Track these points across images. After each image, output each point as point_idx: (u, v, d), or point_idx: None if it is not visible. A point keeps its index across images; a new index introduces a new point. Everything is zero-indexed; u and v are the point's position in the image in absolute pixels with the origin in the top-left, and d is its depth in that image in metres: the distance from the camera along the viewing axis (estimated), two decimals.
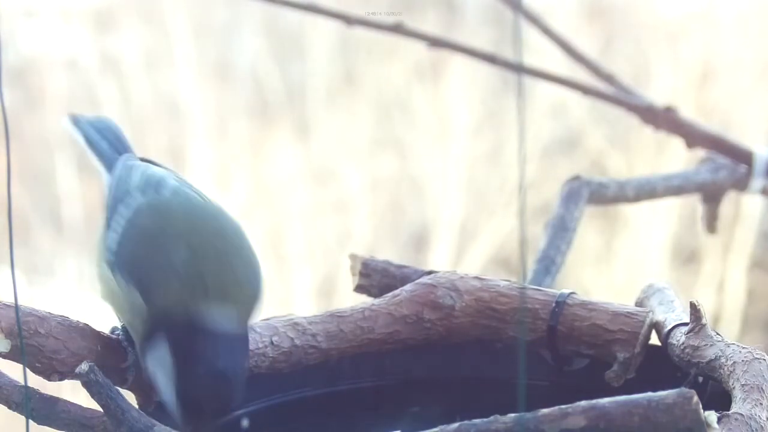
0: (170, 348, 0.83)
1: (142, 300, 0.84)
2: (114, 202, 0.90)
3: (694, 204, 1.54)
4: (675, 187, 1.44)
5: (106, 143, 1.00)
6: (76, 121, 1.01)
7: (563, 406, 0.75)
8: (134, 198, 0.90)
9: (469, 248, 3.69)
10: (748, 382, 0.83)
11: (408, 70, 3.76)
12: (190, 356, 0.83)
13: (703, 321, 0.90)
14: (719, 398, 0.84)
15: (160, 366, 0.84)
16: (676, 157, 3.29)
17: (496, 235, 3.67)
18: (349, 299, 1.06)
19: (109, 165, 0.97)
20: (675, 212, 3.61)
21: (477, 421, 0.76)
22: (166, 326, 0.84)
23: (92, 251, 0.92)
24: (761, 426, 0.79)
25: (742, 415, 0.79)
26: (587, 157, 3.76)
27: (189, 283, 0.84)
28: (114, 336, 0.89)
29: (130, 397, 0.86)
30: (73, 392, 0.90)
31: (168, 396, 0.84)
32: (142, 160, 0.96)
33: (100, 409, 0.82)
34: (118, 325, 0.89)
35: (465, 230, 3.70)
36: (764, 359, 0.85)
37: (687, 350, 0.89)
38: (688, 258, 3.68)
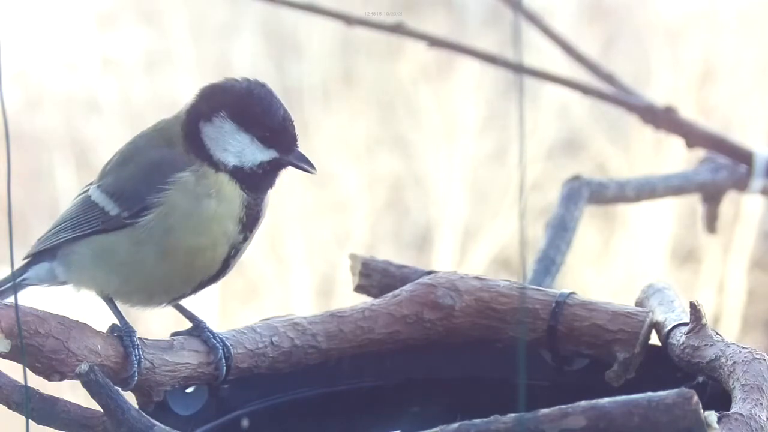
0: (221, 116, 0.91)
1: (162, 155, 0.91)
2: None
3: (694, 204, 1.54)
4: (675, 187, 1.44)
5: None
6: None
7: (563, 406, 0.75)
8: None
9: (472, 248, 3.69)
10: (748, 382, 0.83)
11: (413, 71, 3.76)
12: (246, 106, 0.91)
13: (703, 321, 0.90)
14: (719, 398, 0.84)
15: (225, 138, 0.91)
16: (676, 157, 3.29)
17: (499, 236, 3.67)
18: (349, 299, 1.06)
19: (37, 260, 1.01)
20: (674, 212, 3.61)
21: (477, 421, 0.76)
22: (192, 121, 0.92)
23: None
24: (761, 426, 0.79)
25: (742, 415, 0.79)
26: (589, 158, 3.76)
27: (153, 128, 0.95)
28: (114, 336, 0.89)
29: (130, 397, 0.86)
30: (73, 392, 0.90)
31: (252, 149, 0.91)
32: None
33: (100, 409, 0.82)
34: (120, 324, 0.90)
35: (468, 230, 3.70)
36: (764, 359, 0.85)
37: (687, 350, 0.89)
38: (687, 258, 3.69)
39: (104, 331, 0.89)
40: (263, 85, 0.93)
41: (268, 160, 0.93)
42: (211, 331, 0.92)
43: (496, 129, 3.74)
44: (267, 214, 0.97)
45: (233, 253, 0.93)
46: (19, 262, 0.98)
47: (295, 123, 0.93)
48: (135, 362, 0.88)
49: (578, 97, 1.45)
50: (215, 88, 0.93)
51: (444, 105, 3.76)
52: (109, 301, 0.94)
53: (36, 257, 0.97)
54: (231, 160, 0.92)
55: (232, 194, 0.92)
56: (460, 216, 3.71)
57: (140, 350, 0.88)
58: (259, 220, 0.94)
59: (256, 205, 0.93)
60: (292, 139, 0.93)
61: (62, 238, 0.95)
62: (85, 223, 0.94)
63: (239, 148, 0.92)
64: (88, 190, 0.96)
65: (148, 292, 0.93)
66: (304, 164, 0.93)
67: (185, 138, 0.92)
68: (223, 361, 0.91)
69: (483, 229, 3.69)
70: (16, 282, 0.96)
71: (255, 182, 0.93)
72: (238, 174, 0.92)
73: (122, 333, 0.89)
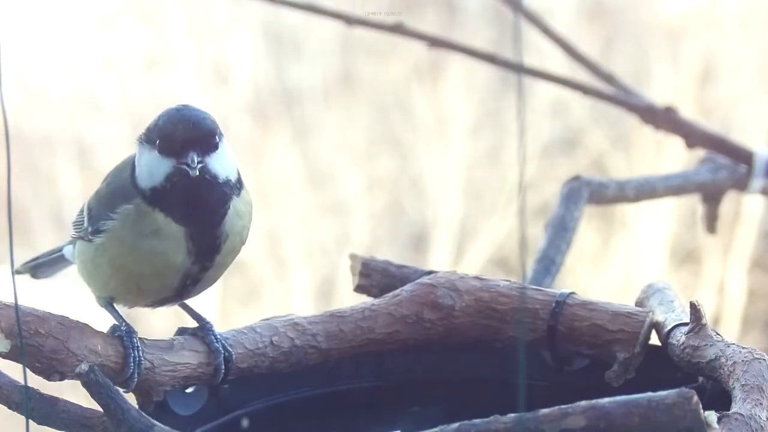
0: (142, 139, 0.91)
1: (120, 184, 0.91)
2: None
3: (693, 204, 1.54)
4: (675, 187, 1.44)
5: None
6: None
7: (563, 406, 0.75)
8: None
9: (469, 248, 3.69)
10: (748, 382, 0.83)
11: (407, 71, 3.76)
12: (156, 123, 0.90)
13: (703, 321, 0.90)
14: (719, 398, 0.84)
15: (141, 159, 0.90)
16: (676, 157, 3.29)
17: (496, 235, 3.67)
18: (349, 299, 1.06)
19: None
20: (674, 212, 3.61)
21: (477, 421, 0.76)
22: (136, 144, 0.91)
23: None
24: (761, 426, 0.79)
25: (742, 415, 0.79)
26: (587, 158, 3.76)
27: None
28: (115, 336, 0.89)
29: (130, 397, 0.86)
30: (73, 392, 0.90)
31: (155, 167, 0.89)
32: None
33: (100, 409, 0.82)
34: (120, 324, 0.90)
35: (464, 230, 3.70)
36: (764, 359, 0.85)
37: (687, 350, 0.89)
38: (687, 258, 3.69)
39: (104, 331, 0.89)
40: (188, 106, 0.91)
41: (169, 170, 0.89)
42: (215, 335, 0.92)
43: (491, 128, 3.74)
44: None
45: (190, 282, 0.92)
46: (19, 262, 0.99)
47: (203, 130, 0.90)
48: (132, 363, 0.88)
49: (577, 97, 1.45)
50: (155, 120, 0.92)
51: (438, 105, 3.76)
52: (109, 306, 0.94)
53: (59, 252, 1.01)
54: (147, 183, 0.90)
55: (172, 231, 0.89)
56: (456, 216, 3.71)
57: (140, 351, 0.88)
58: (219, 248, 0.91)
59: (209, 235, 0.90)
60: (184, 143, 0.89)
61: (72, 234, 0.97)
62: (77, 225, 0.96)
63: (149, 166, 0.90)
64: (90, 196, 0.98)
65: (122, 299, 0.94)
66: (191, 170, 0.89)
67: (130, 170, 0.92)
68: (222, 366, 0.91)
69: (480, 229, 3.69)
70: (58, 254, 1.00)
71: (178, 204, 0.89)
72: (160, 200, 0.89)
73: (122, 333, 0.89)
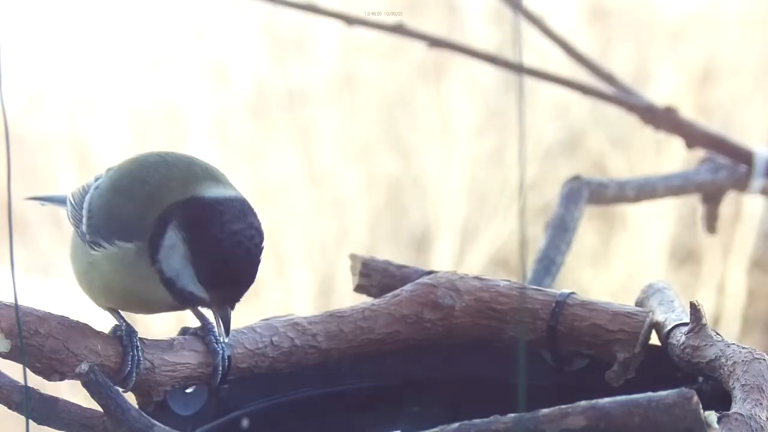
0: (178, 229, 0.85)
1: (138, 215, 0.86)
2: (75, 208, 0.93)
3: (693, 204, 1.54)
4: (675, 187, 1.44)
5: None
6: (41, 198, 1.06)
7: (563, 406, 0.75)
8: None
9: (470, 249, 3.69)
10: (748, 382, 0.83)
11: (410, 71, 3.76)
12: (202, 227, 0.84)
13: (703, 321, 0.90)
14: (719, 398, 0.85)
15: (173, 255, 0.85)
16: (676, 157, 3.29)
17: (497, 236, 3.67)
18: (349, 299, 1.06)
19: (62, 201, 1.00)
20: (674, 212, 3.61)
21: (477, 421, 0.76)
22: (167, 217, 0.85)
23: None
24: (761, 426, 0.79)
25: (742, 415, 0.79)
26: (588, 158, 3.76)
27: (172, 177, 0.87)
28: (115, 336, 0.89)
29: (130, 397, 0.86)
30: (73, 392, 0.90)
31: (189, 280, 0.85)
32: None
33: (100, 409, 0.82)
34: (121, 324, 0.90)
35: (466, 231, 3.70)
36: (764, 359, 0.85)
37: (687, 350, 0.90)
38: (686, 258, 3.68)
39: (104, 331, 0.89)
40: (247, 244, 0.85)
41: (198, 295, 0.87)
42: (215, 335, 0.92)
43: (494, 129, 3.74)
44: (267, 215, 0.95)
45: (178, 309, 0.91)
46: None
47: (249, 281, 0.86)
48: (130, 363, 0.88)
49: (577, 97, 1.45)
50: (206, 213, 0.86)
51: (441, 105, 3.76)
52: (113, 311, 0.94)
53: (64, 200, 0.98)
54: (168, 272, 0.87)
55: (161, 289, 0.88)
56: (458, 216, 3.71)
57: (139, 351, 0.88)
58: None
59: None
60: (229, 298, 0.86)
61: (67, 205, 0.95)
62: (75, 214, 0.94)
63: (179, 270, 0.86)
64: (99, 179, 0.94)
65: (115, 304, 0.93)
66: (220, 327, 0.87)
67: (154, 224, 0.87)
68: (219, 369, 0.91)
69: (481, 229, 3.69)
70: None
71: (181, 299, 0.88)
72: (169, 286, 0.87)
73: (123, 333, 0.89)
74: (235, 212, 0.85)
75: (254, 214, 0.86)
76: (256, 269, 0.87)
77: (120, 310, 0.92)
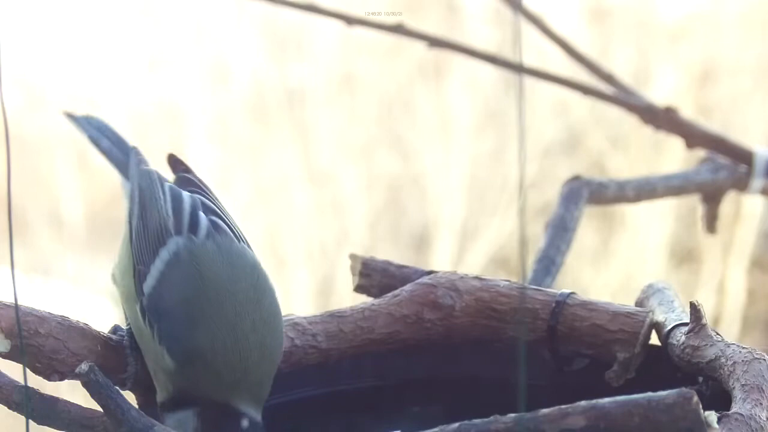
0: (198, 427, 0.83)
1: (172, 362, 0.83)
2: (143, 222, 0.88)
3: (693, 204, 1.54)
4: (675, 187, 1.44)
5: (108, 141, 0.97)
6: (75, 119, 0.99)
7: (563, 406, 0.75)
8: (169, 236, 0.87)
9: (470, 248, 3.69)
10: (748, 382, 0.83)
11: (410, 71, 3.76)
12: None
13: (703, 321, 0.90)
14: (719, 398, 0.85)
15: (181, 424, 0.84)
16: (676, 157, 3.29)
17: (497, 235, 3.66)
18: (349, 299, 1.06)
19: (119, 165, 0.94)
20: (673, 212, 3.61)
21: (477, 421, 0.76)
22: (195, 401, 0.83)
23: (113, 258, 0.91)
24: (761, 426, 0.79)
25: (742, 415, 0.79)
26: (588, 157, 3.76)
27: (227, 365, 0.83)
28: (116, 337, 0.89)
29: (130, 397, 0.86)
30: (72, 392, 0.90)
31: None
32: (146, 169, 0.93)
33: (100, 409, 0.82)
34: (122, 325, 0.90)
35: (466, 230, 3.70)
36: (764, 359, 0.85)
37: (687, 350, 0.90)
38: (687, 258, 3.68)
39: (104, 332, 0.89)
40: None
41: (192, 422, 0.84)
42: None
43: (493, 128, 3.74)
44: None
45: None
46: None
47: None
48: (134, 362, 0.88)
49: (577, 97, 1.45)
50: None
51: (441, 105, 3.76)
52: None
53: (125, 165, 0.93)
54: (163, 397, 0.85)
55: None
56: (458, 215, 3.71)
57: (140, 351, 0.88)
58: None
59: None
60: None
61: (133, 196, 0.90)
62: (148, 219, 0.88)
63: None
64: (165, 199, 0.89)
65: None
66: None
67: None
68: None
69: (481, 229, 3.69)
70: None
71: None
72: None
73: (123, 333, 0.89)
74: None
75: None
76: None
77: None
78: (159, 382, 0.85)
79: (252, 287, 0.87)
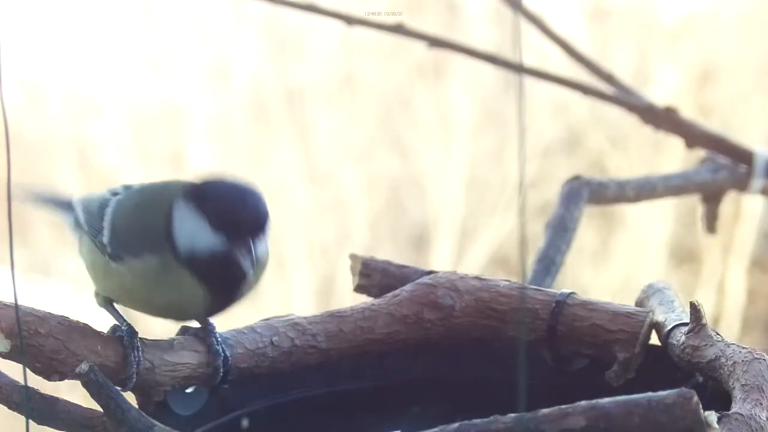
0: (183, 202, 0.88)
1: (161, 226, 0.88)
2: (90, 216, 0.94)
3: (693, 204, 1.54)
4: (675, 187, 1.44)
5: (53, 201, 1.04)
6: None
7: (563, 406, 0.75)
8: (108, 199, 0.94)
9: (470, 248, 3.69)
10: (748, 382, 0.83)
11: (409, 70, 3.76)
12: (202, 189, 0.88)
13: (703, 321, 0.90)
14: (719, 398, 0.85)
15: (184, 223, 0.88)
16: (676, 157, 3.29)
17: (497, 235, 3.67)
18: (349, 299, 1.06)
19: (63, 206, 1.01)
20: (673, 212, 3.61)
21: (477, 421, 0.76)
22: (172, 206, 0.88)
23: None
24: (761, 426, 0.79)
25: (742, 415, 0.79)
26: (587, 157, 3.76)
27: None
28: (115, 336, 0.89)
29: (130, 397, 0.86)
30: (72, 392, 0.90)
31: (205, 236, 0.87)
32: None
33: (100, 409, 0.82)
34: (121, 324, 0.90)
35: (465, 230, 3.70)
36: (764, 359, 0.85)
37: (687, 350, 0.90)
38: (687, 258, 3.68)
39: (104, 331, 0.89)
40: (239, 181, 0.89)
41: (218, 249, 0.87)
42: (216, 336, 0.92)
43: (493, 127, 3.74)
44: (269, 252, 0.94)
45: (214, 310, 0.92)
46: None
47: (262, 216, 0.88)
48: (134, 363, 0.88)
49: (577, 97, 1.45)
50: (198, 183, 0.90)
51: (440, 104, 3.76)
52: (106, 301, 0.94)
53: (67, 205, 0.99)
54: (186, 247, 0.88)
55: (194, 291, 0.89)
56: (457, 215, 3.71)
57: (140, 351, 0.88)
58: (234, 302, 0.91)
59: (229, 297, 0.91)
60: (246, 228, 0.88)
61: (78, 211, 0.96)
62: (92, 224, 0.94)
63: (193, 234, 0.88)
64: (117, 194, 0.95)
65: (138, 309, 0.93)
66: (244, 261, 0.87)
67: (165, 219, 0.90)
68: (220, 370, 0.91)
69: (480, 228, 3.69)
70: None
71: (212, 276, 0.89)
72: (194, 265, 0.88)
73: (123, 333, 0.89)
74: (228, 178, 0.90)
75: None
76: (264, 204, 0.89)
77: (118, 306, 0.93)
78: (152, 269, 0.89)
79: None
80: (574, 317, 0.93)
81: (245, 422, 0.95)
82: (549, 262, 1.22)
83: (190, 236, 0.88)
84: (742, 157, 1.45)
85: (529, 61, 1.24)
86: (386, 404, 0.99)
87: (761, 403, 0.81)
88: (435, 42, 1.39)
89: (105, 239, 0.91)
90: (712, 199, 1.47)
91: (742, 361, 0.85)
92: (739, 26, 3.76)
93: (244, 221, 0.87)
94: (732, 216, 3.46)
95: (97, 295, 0.94)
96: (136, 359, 0.88)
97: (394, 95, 3.83)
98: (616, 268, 3.66)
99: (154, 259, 0.89)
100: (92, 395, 0.81)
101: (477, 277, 0.96)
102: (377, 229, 3.72)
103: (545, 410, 0.75)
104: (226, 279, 0.89)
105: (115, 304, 0.94)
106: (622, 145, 3.73)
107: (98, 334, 0.88)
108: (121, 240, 0.91)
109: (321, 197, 3.72)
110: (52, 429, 0.85)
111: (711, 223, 1.48)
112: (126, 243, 0.90)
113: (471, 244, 3.70)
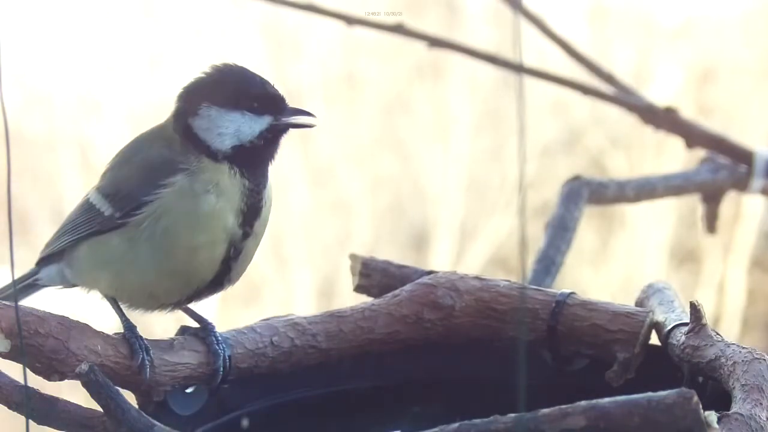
0: (200, 106, 0.93)
1: (166, 151, 0.92)
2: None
3: (693, 204, 1.54)
4: (675, 187, 1.44)
5: None
6: None
7: (563, 406, 0.75)
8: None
9: (470, 248, 3.69)
10: (748, 382, 0.83)
11: (409, 70, 3.76)
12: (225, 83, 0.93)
13: (703, 321, 0.90)
14: (719, 398, 0.85)
15: (211, 122, 0.92)
16: (676, 157, 3.29)
17: (496, 235, 3.67)
18: (349, 299, 1.06)
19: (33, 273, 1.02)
20: (673, 212, 3.61)
21: (477, 421, 0.76)
22: (183, 114, 0.94)
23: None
24: (761, 426, 0.79)
25: (742, 415, 0.79)
26: (587, 157, 3.76)
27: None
28: (119, 338, 0.89)
29: (130, 397, 0.86)
30: (73, 392, 0.90)
31: (228, 123, 0.91)
32: None
33: (100, 409, 0.82)
34: (124, 327, 0.90)
35: (465, 230, 3.70)
36: (764, 359, 0.85)
37: (687, 350, 0.89)
38: (687, 258, 3.68)
39: (104, 332, 0.89)
40: (232, 65, 0.95)
41: (265, 127, 0.93)
42: (216, 336, 0.92)
43: (493, 128, 3.74)
44: (271, 214, 0.96)
45: (233, 253, 0.92)
46: (19, 263, 0.99)
47: (275, 85, 0.95)
48: (147, 366, 0.88)
49: (577, 96, 1.45)
50: (189, 86, 0.95)
51: (440, 105, 3.76)
52: (114, 304, 0.94)
53: (47, 259, 0.98)
54: (229, 142, 0.92)
55: (232, 184, 0.92)
56: (457, 215, 3.71)
57: (151, 353, 0.88)
58: (260, 211, 0.93)
59: (258, 193, 0.93)
60: (280, 100, 0.94)
61: (65, 241, 0.96)
62: (84, 224, 0.94)
63: (234, 126, 0.92)
64: (89, 193, 0.96)
65: (145, 294, 0.93)
66: (301, 119, 0.94)
67: (181, 136, 0.93)
68: (220, 370, 0.91)
69: (480, 229, 3.69)
70: (30, 281, 0.99)
71: (257, 158, 0.93)
72: (239, 156, 0.92)
73: (130, 337, 0.89)
74: (209, 72, 0.96)
75: None
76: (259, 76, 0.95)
77: (143, 303, 0.93)
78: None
79: None
80: (574, 317, 0.93)
81: (245, 422, 0.95)
82: (549, 262, 1.22)
83: (232, 133, 0.92)
84: (742, 157, 1.45)
85: (529, 61, 1.24)
86: (386, 404, 0.99)
87: (761, 403, 0.81)
88: (435, 42, 1.39)
89: (108, 212, 0.92)
90: (712, 199, 1.47)
91: (742, 361, 0.85)
92: (739, 27, 3.76)
93: (278, 96, 0.95)
94: (732, 216, 3.46)
95: (104, 293, 0.94)
96: (149, 361, 0.88)
97: (394, 95, 3.83)
98: (616, 268, 3.67)
99: (176, 180, 0.90)
100: (92, 395, 0.81)
101: (477, 277, 0.96)
102: (378, 229, 3.72)
103: (545, 410, 0.75)
104: (268, 156, 0.95)
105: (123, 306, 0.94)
106: (622, 145, 3.73)
107: (98, 334, 0.88)
108: (129, 192, 0.92)
109: (321, 197, 3.72)
110: (52, 429, 0.85)
111: (711, 223, 1.48)
112: (137, 190, 0.91)
113: (471, 244, 3.70)
